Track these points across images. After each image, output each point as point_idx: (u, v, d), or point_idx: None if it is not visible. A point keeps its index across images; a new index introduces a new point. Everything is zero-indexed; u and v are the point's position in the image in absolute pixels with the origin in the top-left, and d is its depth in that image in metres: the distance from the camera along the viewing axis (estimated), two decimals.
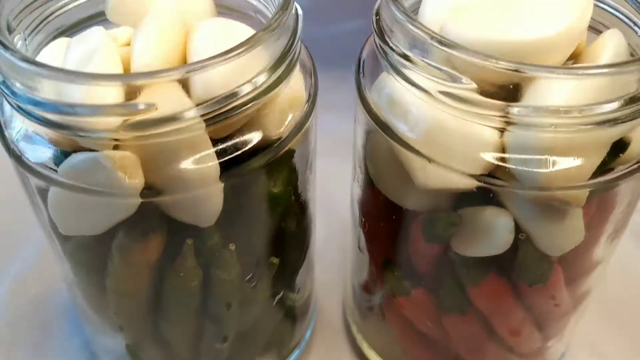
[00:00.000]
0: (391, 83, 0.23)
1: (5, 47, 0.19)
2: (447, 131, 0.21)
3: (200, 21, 0.24)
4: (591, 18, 0.25)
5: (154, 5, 0.24)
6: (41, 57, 0.23)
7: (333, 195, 0.43)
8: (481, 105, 0.20)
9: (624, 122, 0.19)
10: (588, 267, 0.25)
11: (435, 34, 0.20)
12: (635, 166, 0.21)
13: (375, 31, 0.23)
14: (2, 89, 0.20)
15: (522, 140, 0.20)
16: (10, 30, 0.22)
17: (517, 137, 0.20)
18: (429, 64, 0.20)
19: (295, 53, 0.23)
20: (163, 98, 0.19)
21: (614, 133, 0.20)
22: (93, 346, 0.32)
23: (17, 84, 0.20)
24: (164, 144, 0.20)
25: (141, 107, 0.19)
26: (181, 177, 0.20)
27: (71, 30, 0.25)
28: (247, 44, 0.20)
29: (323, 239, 0.41)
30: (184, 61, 0.23)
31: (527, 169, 0.20)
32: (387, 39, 0.22)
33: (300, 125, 0.24)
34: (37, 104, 0.19)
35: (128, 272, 0.23)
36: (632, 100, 0.19)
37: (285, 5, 0.21)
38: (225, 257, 0.24)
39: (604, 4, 0.25)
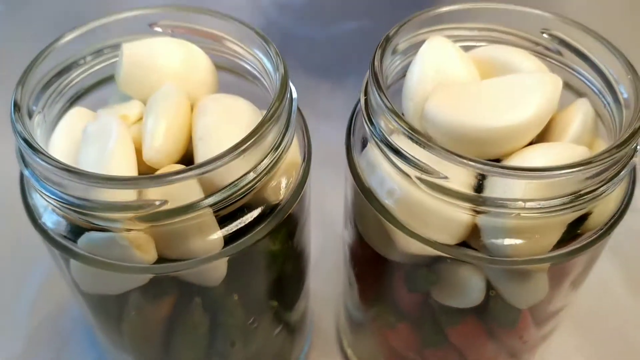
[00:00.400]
0: (375, 156, 0.25)
1: (35, 150, 0.21)
2: (425, 208, 0.23)
3: (204, 96, 0.26)
4: (566, 82, 0.27)
5: (160, 79, 0.26)
6: (60, 131, 0.25)
7: (328, 206, 0.45)
8: (454, 195, 0.22)
9: (576, 210, 0.22)
10: (553, 311, 0.28)
11: (414, 131, 0.22)
12: (594, 237, 0.24)
13: (363, 109, 0.25)
14: (26, 175, 0.23)
15: (491, 223, 0.23)
16: (30, 115, 0.24)
17: (487, 221, 0.23)
18: (408, 154, 0.23)
19: (292, 131, 0.25)
20: (174, 190, 0.21)
21: (570, 216, 0.23)
22: None
23: (41, 176, 0.22)
24: (174, 229, 0.22)
25: (157, 203, 0.21)
26: (189, 253, 0.23)
27: (84, 95, 0.28)
28: (252, 137, 0.22)
29: (318, 250, 0.43)
30: (189, 135, 0.25)
31: (495, 242, 0.23)
32: (372, 118, 0.24)
33: (298, 189, 0.26)
34: (57, 196, 0.22)
35: (142, 323, 0.26)
36: (579, 196, 0.21)
37: (281, 96, 0.23)
38: (229, 306, 0.27)
39: (578, 73, 0.27)
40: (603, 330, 0.39)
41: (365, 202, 0.26)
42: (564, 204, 0.22)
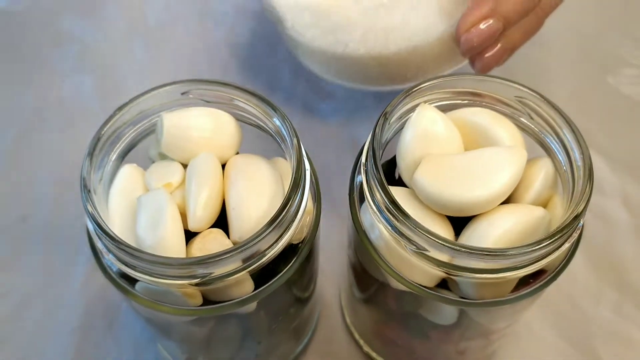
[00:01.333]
0: (370, 210, 0.31)
1: (105, 232, 0.27)
2: (409, 261, 0.29)
3: (230, 154, 0.32)
4: (536, 137, 0.32)
5: (195, 145, 0.31)
6: (115, 196, 0.31)
7: (332, 188, 0.50)
8: (433, 262, 0.28)
9: (530, 270, 0.28)
10: (517, 318, 0.35)
11: (396, 210, 0.27)
12: (547, 279, 0.30)
13: (363, 174, 0.31)
14: (92, 234, 0.29)
15: (462, 279, 0.29)
16: (95, 191, 0.30)
17: (459, 278, 0.29)
18: (394, 224, 0.28)
19: (308, 191, 0.30)
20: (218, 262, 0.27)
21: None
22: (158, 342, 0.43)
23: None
24: (216, 286, 0.29)
25: (205, 273, 0.27)
26: (227, 297, 0.30)
27: (130, 151, 0.33)
28: (281, 212, 0.27)
29: (323, 229, 0.49)
30: (222, 199, 0.31)
31: (466, 289, 0.30)
32: (368, 184, 0.30)
33: (313, 230, 0.31)
34: (118, 259, 0.28)
35: (188, 335, 0.34)
36: (531, 263, 0.28)
37: (299, 173, 0.29)
38: (257, 320, 0.34)
39: (545, 136, 0.32)
40: (563, 301, 0.45)
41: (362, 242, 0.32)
42: (518, 268, 0.28)
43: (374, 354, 0.43)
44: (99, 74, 0.60)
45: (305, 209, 0.30)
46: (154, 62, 0.60)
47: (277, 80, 0.58)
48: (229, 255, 0.27)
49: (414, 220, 0.27)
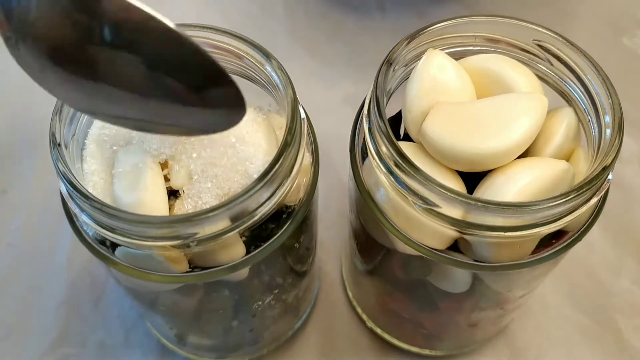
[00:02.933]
0: (375, 168, 0.28)
1: (80, 192, 0.24)
2: (418, 221, 0.26)
3: None
4: (556, 86, 0.29)
5: None
6: (91, 150, 0.28)
7: (333, 154, 0.47)
8: (445, 220, 0.25)
9: (552, 229, 0.25)
10: (534, 286, 0.32)
11: (404, 162, 0.25)
12: (569, 241, 0.27)
13: (366, 129, 0.28)
14: (68, 200, 0.26)
15: (476, 240, 0.26)
16: (66, 146, 0.27)
17: (473, 238, 0.26)
18: (403, 180, 0.25)
19: (304, 147, 0.27)
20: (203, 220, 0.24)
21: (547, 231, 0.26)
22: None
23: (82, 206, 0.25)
24: (203, 249, 0.26)
25: (189, 234, 0.24)
26: (216, 262, 0.27)
27: None
28: (273, 167, 0.24)
29: (323, 198, 0.46)
30: None
31: (481, 252, 0.27)
32: (371, 136, 0.27)
33: (311, 191, 0.29)
34: (96, 222, 0.25)
35: (175, 307, 0.31)
36: (554, 220, 0.25)
37: (293, 126, 0.26)
38: (250, 291, 0.31)
39: (566, 83, 0.29)
40: (579, 273, 0.43)
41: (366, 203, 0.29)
42: (541, 225, 0.25)
43: (378, 330, 0.40)
44: None
45: (300, 166, 0.27)
46: None
47: (273, 45, 0.55)
48: (215, 212, 0.24)
49: (424, 172, 0.24)
